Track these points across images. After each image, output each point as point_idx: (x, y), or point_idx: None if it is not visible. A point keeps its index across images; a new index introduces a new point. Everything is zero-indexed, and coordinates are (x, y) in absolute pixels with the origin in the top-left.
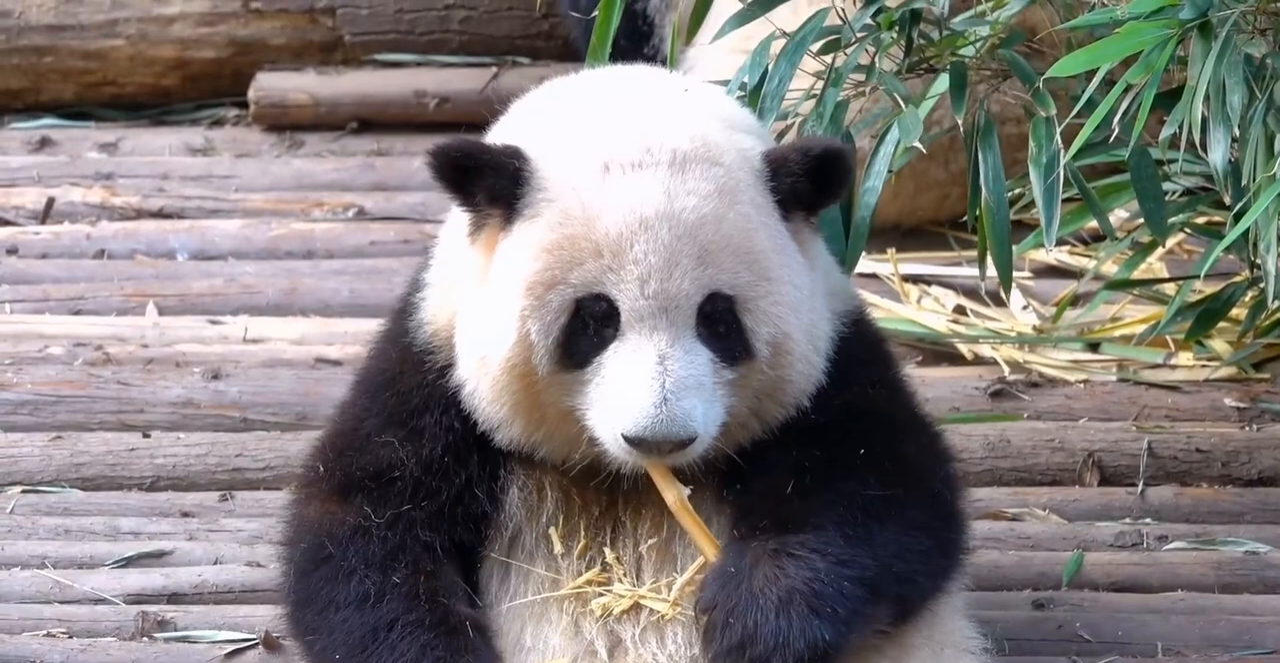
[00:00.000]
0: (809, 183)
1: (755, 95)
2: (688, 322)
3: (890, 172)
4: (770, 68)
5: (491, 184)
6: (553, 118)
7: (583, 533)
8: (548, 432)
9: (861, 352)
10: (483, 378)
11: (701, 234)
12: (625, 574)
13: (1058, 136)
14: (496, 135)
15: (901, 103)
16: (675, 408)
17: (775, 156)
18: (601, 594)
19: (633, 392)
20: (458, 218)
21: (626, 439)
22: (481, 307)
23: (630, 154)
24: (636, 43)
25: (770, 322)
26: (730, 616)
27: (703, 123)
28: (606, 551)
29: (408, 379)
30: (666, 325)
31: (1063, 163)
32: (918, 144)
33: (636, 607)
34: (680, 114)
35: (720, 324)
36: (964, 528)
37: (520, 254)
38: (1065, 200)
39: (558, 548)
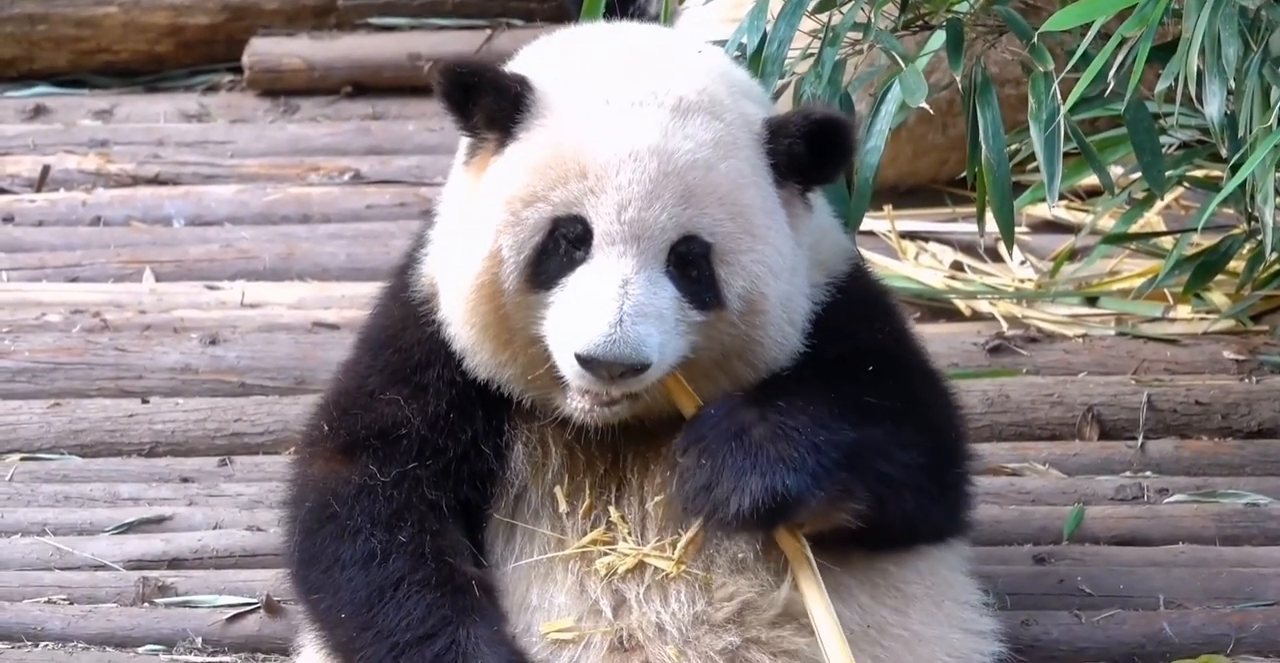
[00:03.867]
0: (805, 147)
1: (755, 59)
2: (658, 255)
3: (889, 129)
4: (769, 30)
5: (491, 104)
6: (561, 58)
7: (588, 492)
8: (513, 355)
9: (865, 307)
10: (456, 298)
11: (690, 176)
12: (630, 533)
13: (1056, 91)
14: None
15: (900, 61)
16: (630, 330)
17: (776, 121)
18: (606, 553)
19: (590, 311)
20: (461, 157)
21: (579, 359)
22: (461, 224)
23: (634, 93)
24: (623, 1)
25: (747, 277)
26: (702, 455)
27: (711, 81)
28: (611, 509)
29: (410, 335)
30: (636, 253)
31: (1061, 114)
32: (924, 105)
33: (641, 565)
34: (690, 69)
35: (693, 268)
36: (966, 466)
37: (506, 172)
38: (1063, 155)
39: (563, 507)
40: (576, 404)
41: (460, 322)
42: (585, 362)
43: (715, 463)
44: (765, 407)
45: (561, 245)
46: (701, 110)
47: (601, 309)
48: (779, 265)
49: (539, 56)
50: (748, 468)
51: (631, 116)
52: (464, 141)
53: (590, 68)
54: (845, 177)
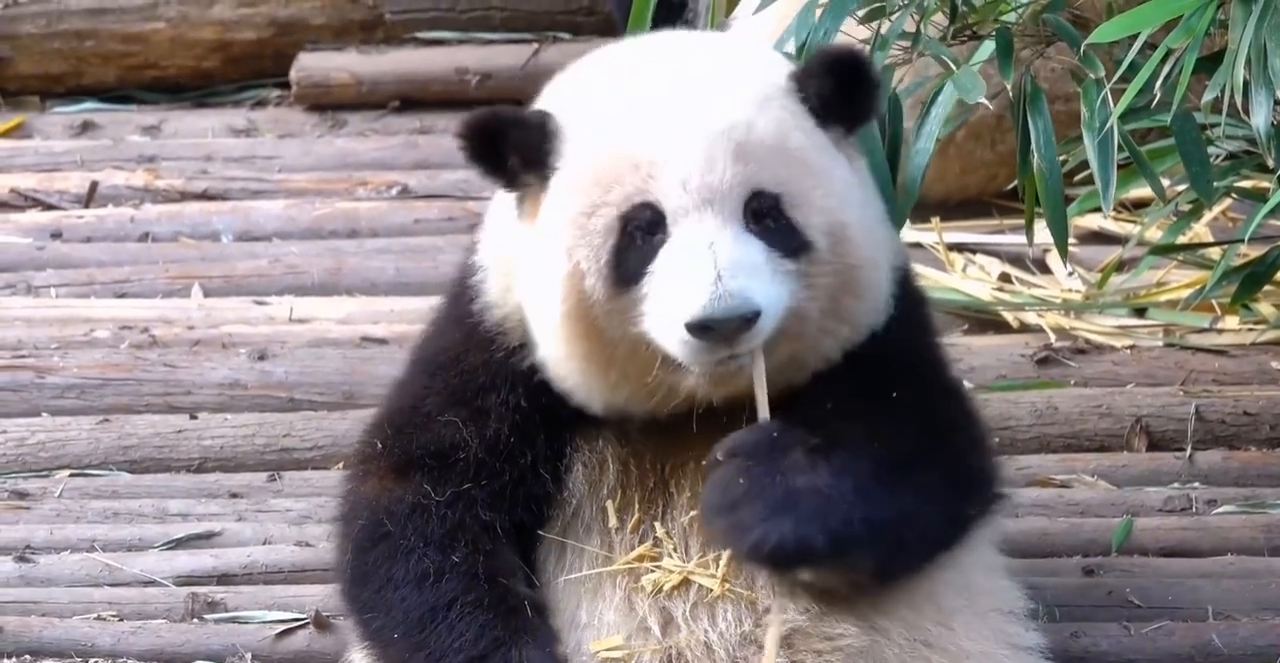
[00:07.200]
0: (833, 85)
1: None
2: (734, 214)
3: (939, 131)
4: (813, 34)
5: (521, 146)
6: (583, 80)
7: (636, 506)
8: (623, 372)
9: (906, 312)
10: (550, 335)
11: (735, 134)
12: (675, 549)
13: (1108, 97)
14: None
15: (952, 65)
16: (731, 284)
17: (797, 70)
18: (652, 571)
19: (686, 279)
20: (503, 198)
21: (689, 329)
22: (533, 265)
23: (656, 79)
24: (670, 16)
25: (822, 212)
26: (741, 474)
27: (729, 51)
28: (657, 525)
29: (472, 359)
30: (712, 216)
31: (1112, 120)
32: (983, 100)
33: (686, 583)
34: (706, 44)
35: (769, 220)
36: (987, 488)
37: (560, 200)
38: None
39: (613, 522)
40: (699, 374)
41: (563, 358)
42: (696, 329)
43: (752, 488)
44: (818, 454)
45: (637, 237)
46: (723, 78)
47: (697, 273)
48: (849, 195)
49: (561, 85)
50: (786, 508)
51: (660, 100)
52: (509, 198)
53: (607, 76)
54: (890, 176)
